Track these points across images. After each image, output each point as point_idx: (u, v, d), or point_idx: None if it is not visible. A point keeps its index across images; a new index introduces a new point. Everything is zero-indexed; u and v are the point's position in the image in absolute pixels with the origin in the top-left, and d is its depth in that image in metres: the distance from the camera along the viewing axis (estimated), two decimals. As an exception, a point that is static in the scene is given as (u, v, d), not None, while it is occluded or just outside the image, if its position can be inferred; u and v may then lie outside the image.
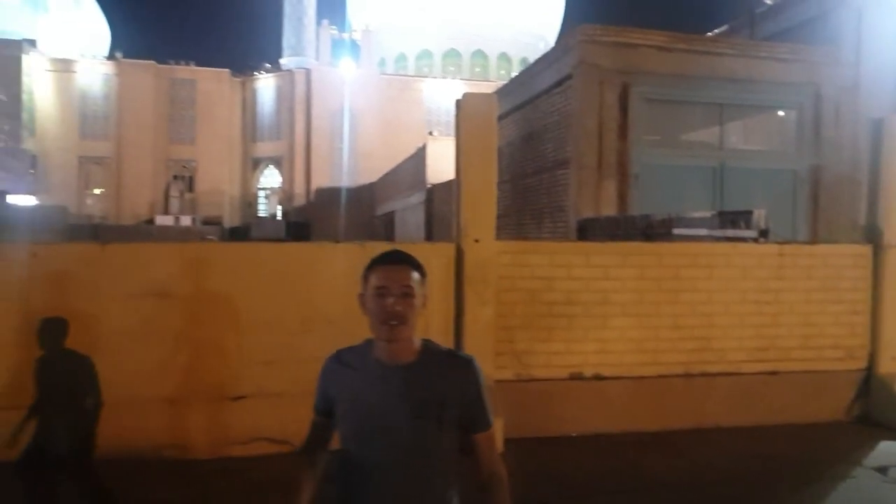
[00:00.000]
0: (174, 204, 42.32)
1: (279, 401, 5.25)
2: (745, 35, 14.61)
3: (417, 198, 23.62)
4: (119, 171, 42.59)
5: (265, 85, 44.97)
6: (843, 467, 5.51)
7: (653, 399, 6.24)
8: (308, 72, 43.20)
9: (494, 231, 5.98)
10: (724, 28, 15.73)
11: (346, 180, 40.95)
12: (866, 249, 6.77)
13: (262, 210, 44.84)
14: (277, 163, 44.40)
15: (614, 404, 6.18)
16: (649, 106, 10.86)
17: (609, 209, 10.45)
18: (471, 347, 5.84)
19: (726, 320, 6.37)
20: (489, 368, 5.89)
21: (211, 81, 44.04)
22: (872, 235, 6.80)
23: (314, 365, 2.07)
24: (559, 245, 6.88)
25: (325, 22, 47.51)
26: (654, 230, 8.10)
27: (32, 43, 42.03)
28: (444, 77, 46.60)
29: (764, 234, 6.52)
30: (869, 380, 6.64)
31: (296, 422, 2.51)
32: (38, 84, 41.37)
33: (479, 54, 50.19)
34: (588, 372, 6.17)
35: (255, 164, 45.32)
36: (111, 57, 45.94)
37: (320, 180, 42.16)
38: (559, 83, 11.43)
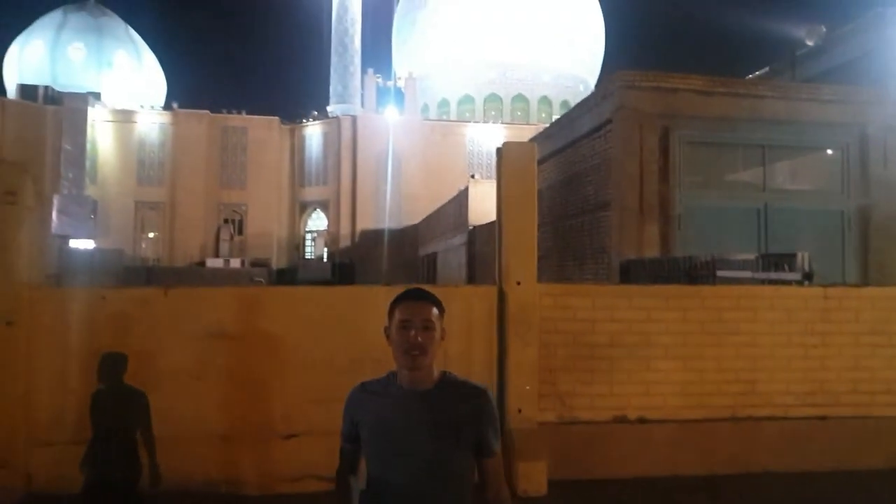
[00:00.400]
0: (224, 247, 43.57)
1: (328, 439, 5.35)
2: (786, 77, 14.63)
3: (459, 239, 23.89)
4: (172, 215, 44.23)
5: (313, 132, 46.43)
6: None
7: (698, 443, 6.18)
8: (354, 118, 44.50)
9: (536, 274, 6.11)
10: (765, 70, 15.76)
11: (390, 222, 41.66)
12: (916, 291, 6.65)
13: (309, 252, 45.82)
14: (324, 206, 45.48)
15: (659, 448, 6.14)
16: (691, 148, 10.93)
17: (652, 251, 10.46)
18: (514, 388, 5.93)
19: (772, 363, 6.31)
20: (532, 410, 5.96)
21: (261, 129, 45.68)
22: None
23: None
24: (601, 288, 6.96)
25: (370, 70, 49.12)
26: (697, 272, 8.09)
27: (97, 96, 44.61)
28: (485, 121, 47.35)
29: (808, 276, 6.47)
30: (926, 426, 6.44)
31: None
32: (101, 134, 43.68)
33: (520, 98, 50.90)
34: (632, 415, 6.17)
35: (303, 208, 46.50)
36: (167, 107, 48.24)
37: (365, 222, 42.98)
38: (599, 127, 11.62)
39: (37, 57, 48.60)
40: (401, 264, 36.84)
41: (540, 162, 13.52)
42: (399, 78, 51.49)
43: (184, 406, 5.56)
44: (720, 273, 7.58)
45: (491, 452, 2.09)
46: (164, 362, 5.57)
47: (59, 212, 32.67)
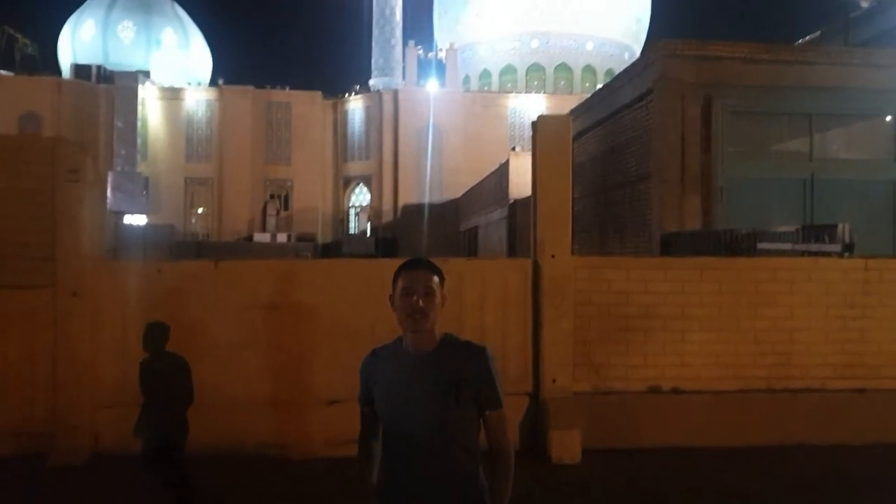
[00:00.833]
0: (271, 222, 44.53)
1: (369, 405, 5.68)
2: (839, 41, 14.11)
3: (500, 213, 23.92)
4: (220, 190, 45.34)
5: (355, 106, 46.71)
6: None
7: (733, 414, 6.23)
8: (395, 92, 44.56)
9: (570, 247, 6.21)
10: (816, 34, 15.22)
11: (431, 196, 41.82)
12: (964, 263, 6.50)
13: (353, 226, 46.49)
14: (367, 181, 45.93)
15: (693, 418, 6.22)
16: (734, 118, 10.73)
17: (693, 223, 10.38)
18: (549, 359, 6.08)
19: (809, 336, 6.28)
20: (567, 380, 6.11)
21: (305, 104, 46.17)
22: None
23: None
24: (635, 260, 7.00)
25: (411, 43, 48.98)
26: (738, 245, 8.04)
27: (147, 75, 45.77)
28: (527, 92, 46.82)
29: (849, 248, 6.39)
30: (970, 400, 6.34)
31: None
32: (151, 111, 44.89)
33: (563, 67, 50.03)
34: (666, 385, 6.25)
35: (346, 183, 47.05)
36: (213, 83, 49.19)
37: (407, 197, 43.27)
38: (640, 98, 11.48)
39: (89, 36, 49.97)
40: (442, 239, 37.05)
41: (581, 133, 13.47)
42: (440, 49, 51.23)
43: (234, 374, 5.91)
44: (760, 245, 7.53)
45: (497, 404, 2.25)
46: (215, 331, 5.90)
47: (114, 188, 33.85)
